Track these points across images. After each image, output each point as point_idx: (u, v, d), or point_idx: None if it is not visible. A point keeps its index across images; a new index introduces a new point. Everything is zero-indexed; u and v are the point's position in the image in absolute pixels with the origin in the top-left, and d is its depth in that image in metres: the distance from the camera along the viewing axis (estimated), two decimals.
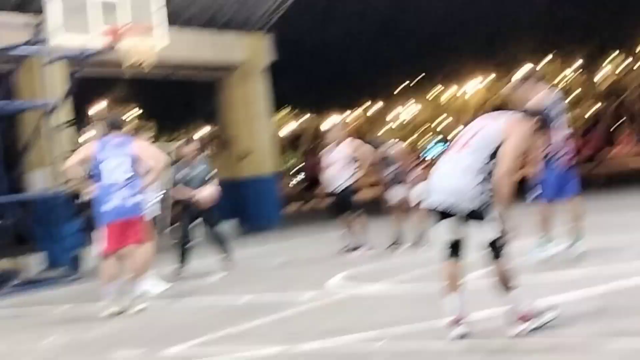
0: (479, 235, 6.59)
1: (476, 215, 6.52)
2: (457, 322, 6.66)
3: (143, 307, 9.98)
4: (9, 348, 8.81)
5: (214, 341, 7.80)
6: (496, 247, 6.58)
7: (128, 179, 9.97)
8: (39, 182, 18.30)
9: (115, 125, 10.47)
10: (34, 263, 17.82)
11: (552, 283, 8.79)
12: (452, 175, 6.60)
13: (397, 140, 16.05)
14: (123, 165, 10.02)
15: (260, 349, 7.16)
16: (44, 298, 13.14)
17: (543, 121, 6.81)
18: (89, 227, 18.03)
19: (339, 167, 13.88)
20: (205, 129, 42.22)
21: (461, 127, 59.80)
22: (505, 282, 6.58)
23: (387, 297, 9.32)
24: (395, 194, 13.64)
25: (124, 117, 10.81)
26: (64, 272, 15.56)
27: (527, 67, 11.86)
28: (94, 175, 10.18)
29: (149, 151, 10.23)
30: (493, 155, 6.49)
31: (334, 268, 12.09)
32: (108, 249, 9.97)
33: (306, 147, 54.30)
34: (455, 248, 6.79)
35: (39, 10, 17.40)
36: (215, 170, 14.02)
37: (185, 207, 13.31)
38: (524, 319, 6.52)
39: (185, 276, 12.99)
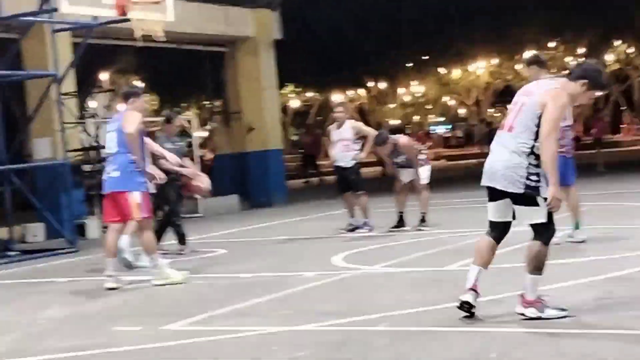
0: (524, 218, 6.65)
1: (524, 199, 6.55)
2: (467, 290, 6.74)
3: (143, 282, 9.94)
4: (8, 318, 8.77)
5: (215, 318, 7.76)
6: (540, 230, 6.60)
7: (114, 152, 9.91)
8: (42, 150, 18.23)
9: (124, 96, 10.35)
10: (34, 232, 17.80)
11: (553, 271, 8.75)
12: (500, 158, 6.65)
13: (400, 126, 15.95)
14: (113, 138, 9.96)
15: (261, 327, 7.14)
16: (44, 269, 13.08)
17: (593, 80, 6.70)
18: (92, 197, 18.14)
19: (343, 145, 13.82)
20: (211, 102, 42.21)
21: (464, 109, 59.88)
22: (535, 264, 6.60)
23: (388, 279, 9.28)
24: (404, 177, 13.54)
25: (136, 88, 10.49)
26: (64, 243, 15.48)
27: (532, 52, 11.76)
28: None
29: (127, 119, 9.89)
30: (537, 134, 6.49)
31: (336, 247, 12.07)
32: (104, 220, 9.99)
33: (307, 125, 54.23)
34: (494, 228, 6.90)
35: None
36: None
37: (171, 181, 12.94)
38: (531, 304, 6.49)
39: (186, 252, 12.89)
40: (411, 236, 12.74)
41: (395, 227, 13.51)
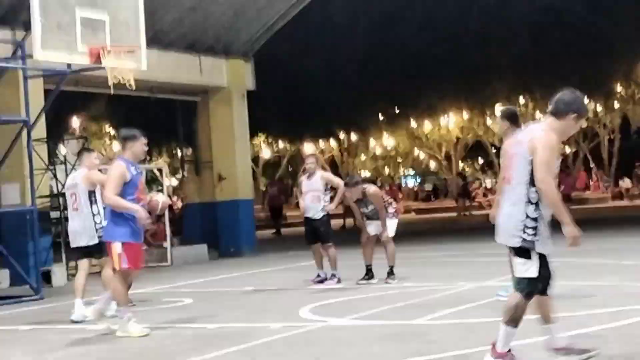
0: (524, 269, 6.63)
1: (520, 252, 6.59)
2: (501, 356, 6.65)
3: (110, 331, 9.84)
4: None
5: None
6: (525, 283, 6.62)
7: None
8: (10, 196, 18.08)
9: (122, 140, 10.35)
10: (0, 279, 17.57)
11: (520, 327, 8.74)
12: (502, 212, 6.70)
13: (371, 178, 15.97)
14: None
15: None
16: (7, 316, 12.88)
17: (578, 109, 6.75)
18: (58, 244, 17.99)
19: (313, 196, 13.81)
20: (182, 151, 42.10)
21: (436, 161, 60.15)
22: (512, 316, 6.63)
23: (355, 332, 9.21)
24: (370, 229, 13.52)
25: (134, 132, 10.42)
26: (29, 290, 15.28)
27: (507, 106, 11.89)
28: None
29: (108, 182, 9.89)
30: (533, 181, 6.49)
31: (303, 298, 12.01)
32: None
33: (272, 176, 54.39)
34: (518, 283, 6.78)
35: (22, 27, 17.37)
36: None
37: None
38: (501, 357, 6.55)
39: (150, 300, 12.81)
40: (379, 289, 12.69)
41: (363, 279, 13.48)
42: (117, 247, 9.59)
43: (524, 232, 6.51)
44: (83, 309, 10.77)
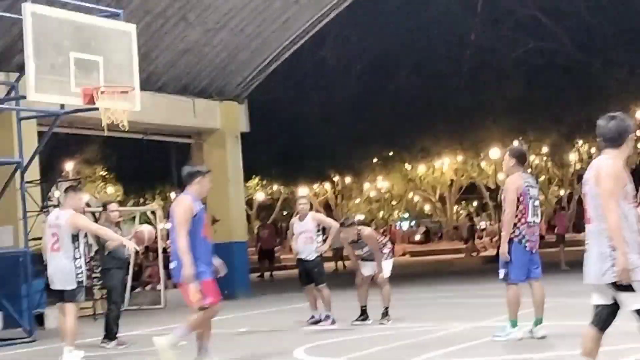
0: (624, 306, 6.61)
1: (620, 286, 6.46)
2: None
3: None
4: None
5: None
6: None
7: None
8: (3, 238, 18.07)
9: (187, 177, 10.07)
10: None
11: None
12: (590, 254, 6.57)
13: (366, 223, 16.00)
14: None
15: None
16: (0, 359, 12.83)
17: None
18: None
19: (306, 238, 13.83)
20: (176, 193, 42.01)
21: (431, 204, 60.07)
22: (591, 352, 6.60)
23: None
24: (365, 270, 13.52)
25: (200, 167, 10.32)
26: (22, 332, 15.21)
27: (518, 146, 12.00)
28: None
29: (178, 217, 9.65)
30: None
31: (298, 339, 11.98)
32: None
33: (262, 218, 54.43)
34: (596, 314, 6.84)
35: (15, 69, 17.45)
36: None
37: (117, 270, 13.08)
38: None
39: (109, 346, 12.78)
40: (373, 330, 12.66)
41: (358, 320, 13.44)
42: (195, 286, 9.46)
43: (613, 265, 6.38)
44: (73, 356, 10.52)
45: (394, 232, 63.40)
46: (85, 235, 16.34)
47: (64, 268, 10.66)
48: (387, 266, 13.48)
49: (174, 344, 9.46)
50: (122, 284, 13.31)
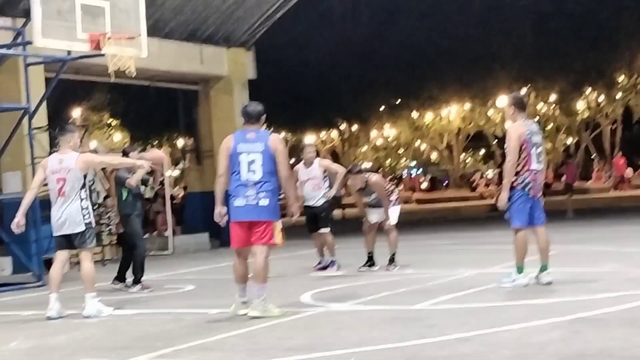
0: None
1: None
2: None
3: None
4: None
5: (180, 352, 7.69)
6: None
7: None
8: (12, 184, 18.10)
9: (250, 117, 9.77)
10: (1, 266, 17.62)
11: (516, 310, 8.78)
12: None
13: (374, 171, 15.98)
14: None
15: None
16: (10, 302, 12.96)
17: None
18: None
19: (313, 184, 13.86)
20: (183, 140, 42.11)
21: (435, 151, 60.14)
22: None
23: (356, 316, 9.24)
24: (372, 217, 13.56)
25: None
26: (31, 277, 15.34)
27: (515, 93, 11.87)
28: None
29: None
30: None
31: (304, 285, 12.04)
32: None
33: None
34: None
35: (22, 14, 17.37)
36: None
37: (136, 217, 13.10)
38: None
39: (118, 287, 12.93)
40: (380, 276, 12.73)
41: (365, 266, 13.51)
42: (279, 225, 9.39)
43: None
44: (57, 303, 10.37)
45: (415, 179, 63.65)
46: (93, 182, 16.41)
47: (72, 212, 10.36)
48: (394, 213, 13.51)
49: (264, 298, 9.37)
50: (142, 229, 13.29)
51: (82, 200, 10.42)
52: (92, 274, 10.45)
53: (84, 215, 10.41)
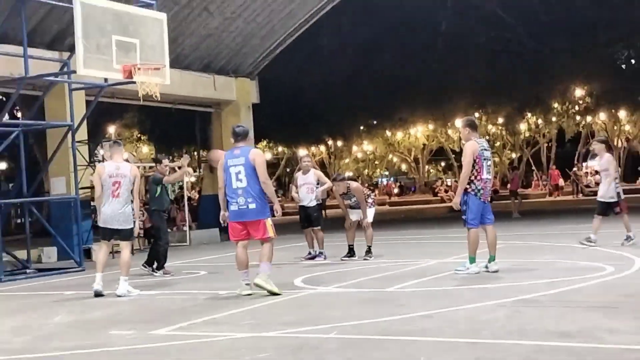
0: None
1: None
2: None
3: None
4: (23, 323, 8.62)
5: (195, 326, 7.68)
6: None
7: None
8: (58, 187, 18.10)
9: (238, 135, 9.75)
10: (49, 254, 17.60)
11: (469, 293, 8.78)
12: None
13: (354, 179, 15.91)
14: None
15: (232, 334, 7.08)
16: (55, 284, 12.91)
17: None
18: (97, 227, 18.04)
19: (307, 188, 13.85)
20: (199, 152, 41.88)
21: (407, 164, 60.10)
22: None
23: (339, 297, 9.23)
24: (353, 216, 13.56)
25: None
26: (73, 263, 15.30)
27: (468, 117, 11.84)
28: None
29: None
30: None
31: (297, 271, 12.02)
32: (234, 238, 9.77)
33: (272, 174, 54.34)
34: None
35: (67, 49, 17.35)
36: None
37: (161, 216, 13.14)
38: None
39: (147, 271, 12.91)
40: (358, 264, 12.71)
41: (346, 256, 13.51)
42: (269, 221, 9.45)
43: None
44: (101, 283, 10.38)
45: (389, 185, 63.37)
46: None
47: (124, 211, 10.37)
48: (370, 213, 13.52)
49: (269, 275, 9.39)
50: (165, 224, 13.30)
51: (132, 202, 10.49)
52: (129, 261, 10.49)
53: (132, 215, 10.50)
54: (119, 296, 10.15)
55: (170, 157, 32.70)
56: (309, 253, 13.96)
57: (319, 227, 13.87)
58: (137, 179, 10.57)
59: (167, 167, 13.53)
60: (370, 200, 13.71)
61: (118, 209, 10.37)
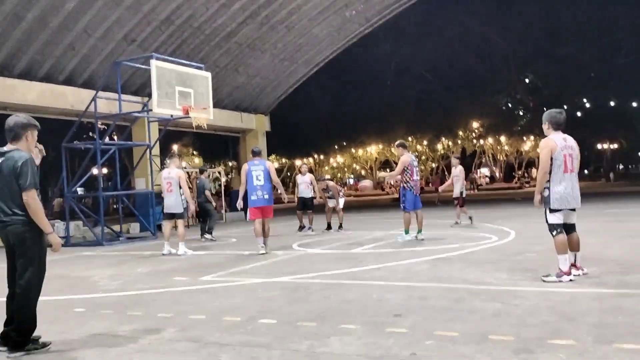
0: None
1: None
2: (567, 273, 5.75)
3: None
4: (117, 272, 8.56)
5: (229, 274, 7.64)
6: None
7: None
8: (140, 184, 17.95)
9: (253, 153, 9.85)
10: (134, 228, 17.44)
11: (405, 253, 8.80)
12: (578, 187, 5.80)
13: (330, 178, 15.80)
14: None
15: (252, 280, 7.04)
16: (138, 247, 12.81)
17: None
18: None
19: (305, 185, 13.81)
20: (231, 163, 41.63)
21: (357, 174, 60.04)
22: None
23: (322, 256, 9.19)
24: (330, 204, 13.54)
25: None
26: (150, 234, 15.18)
27: (400, 140, 11.90)
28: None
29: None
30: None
31: (293, 239, 11.98)
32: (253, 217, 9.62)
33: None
34: (565, 228, 5.85)
35: (146, 95, 17.24)
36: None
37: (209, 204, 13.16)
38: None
39: (216, 238, 12.82)
40: (334, 235, 12.68)
41: (325, 230, 13.47)
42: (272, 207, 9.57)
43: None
44: (168, 247, 10.37)
45: (356, 184, 63.03)
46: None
47: (175, 201, 10.43)
48: (341, 202, 13.51)
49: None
50: (213, 209, 13.29)
51: (181, 195, 10.46)
52: (184, 232, 10.57)
53: (182, 203, 10.48)
54: (179, 255, 10.10)
55: (212, 166, 32.40)
56: (302, 227, 13.88)
57: (311, 211, 13.83)
58: (181, 179, 10.53)
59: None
60: (341, 193, 13.70)
61: (173, 200, 10.43)
